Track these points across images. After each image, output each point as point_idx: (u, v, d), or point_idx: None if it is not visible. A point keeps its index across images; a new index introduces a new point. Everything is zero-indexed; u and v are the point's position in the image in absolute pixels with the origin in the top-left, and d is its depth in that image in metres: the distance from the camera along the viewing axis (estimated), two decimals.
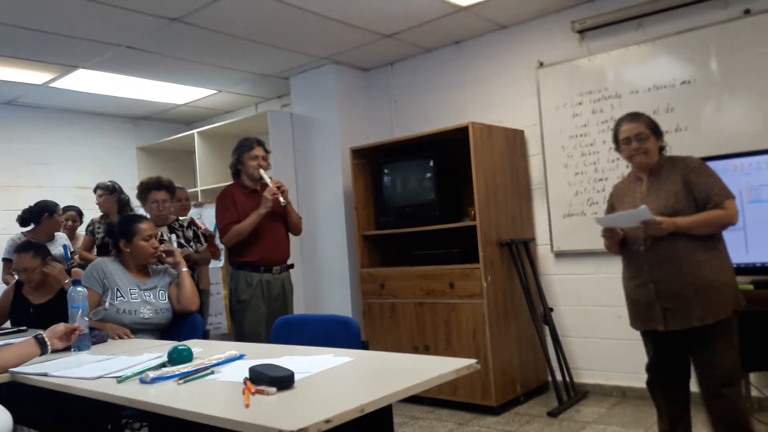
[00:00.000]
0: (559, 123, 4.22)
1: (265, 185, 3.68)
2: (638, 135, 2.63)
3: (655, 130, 2.67)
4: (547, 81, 4.28)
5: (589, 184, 4.10)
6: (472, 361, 1.72)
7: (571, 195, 4.18)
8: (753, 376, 3.49)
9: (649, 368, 2.82)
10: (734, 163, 3.33)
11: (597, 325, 4.12)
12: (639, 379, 3.93)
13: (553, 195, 4.26)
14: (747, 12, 3.54)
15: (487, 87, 4.61)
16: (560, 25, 4.20)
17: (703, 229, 2.51)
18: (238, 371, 1.73)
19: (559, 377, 4.01)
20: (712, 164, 3.37)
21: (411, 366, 1.79)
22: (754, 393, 3.49)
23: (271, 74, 5.22)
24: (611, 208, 2.83)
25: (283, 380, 1.55)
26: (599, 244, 3.98)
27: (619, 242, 2.69)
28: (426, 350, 4.09)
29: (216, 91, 5.61)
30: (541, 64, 4.30)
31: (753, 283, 3.18)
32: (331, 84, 5.04)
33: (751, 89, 3.53)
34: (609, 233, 2.67)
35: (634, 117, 2.70)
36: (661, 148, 2.70)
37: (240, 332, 3.67)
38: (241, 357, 1.94)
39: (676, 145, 3.71)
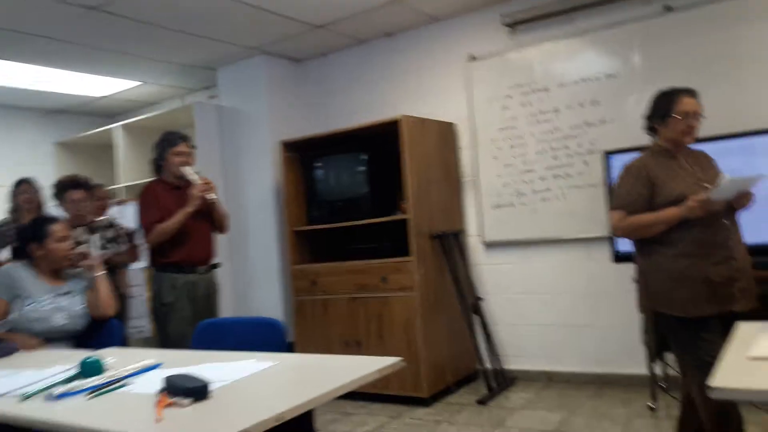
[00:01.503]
0: (490, 116, 4.27)
1: (190, 182, 3.55)
2: (696, 113, 2.42)
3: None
4: (477, 74, 4.32)
5: (517, 176, 4.18)
6: (397, 359, 1.71)
7: (500, 186, 4.24)
8: (670, 356, 3.65)
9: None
10: None
11: (524, 312, 4.22)
12: (563, 364, 4.09)
13: (483, 187, 4.32)
14: (668, 9, 3.67)
15: (419, 80, 4.61)
16: (491, 19, 4.24)
17: None
18: (153, 382, 1.65)
19: (488, 365, 4.10)
20: (632, 155, 3.54)
21: (335, 367, 1.76)
22: (669, 371, 3.66)
23: (197, 65, 5.05)
24: (648, 182, 2.42)
25: (197, 391, 1.50)
26: (526, 233, 4.16)
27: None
28: (357, 345, 4.08)
29: (140, 83, 5.39)
30: (473, 57, 4.33)
31: None
32: (260, 75, 4.92)
33: (672, 83, 3.64)
34: (707, 203, 2.27)
35: (693, 92, 2.45)
36: None
37: (165, 336, 3.54)
38: (157, 366, 1.86)
39: (601, 137, 3.85)
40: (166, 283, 3.49)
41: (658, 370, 3.58)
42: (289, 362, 1.85)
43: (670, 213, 2.34)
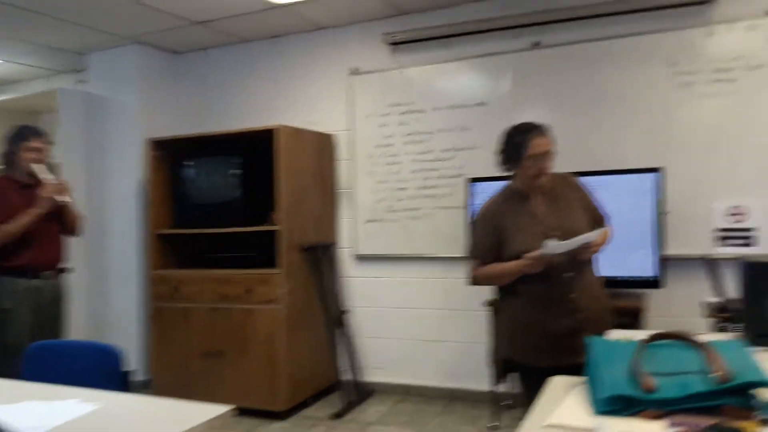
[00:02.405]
0: (368, 131, 4.30)
1: (41, 181, 3.29)
2: (550, 152, 2.36)
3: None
4: (359, 88, 4.33)
5: (391, 193, 4.23)
6: (229, 408, 1.66)
7: (374, 201, 4.29)
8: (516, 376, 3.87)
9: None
10: None
11: (389, 325, 4.30)
12: (420, 377, 4.21)
13: (358, 200, 4.34)
14: (537, 44, 3.86)
15: (301, 87, 4.54)
16: (374, 35, 4.26)
17: (605, 247, 2.37)
18: None
19: (348, 377, 4.14)
20: (495, 184, 3.69)
21: (160, 416, 1.68)
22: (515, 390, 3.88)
23: (65, 49, 4.66)
24: (496, 231, 2.41)
25: None
26: (395, 249, 4.23)
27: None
28: (218, 356, 3.97)
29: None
30: (355, 70, 4.33)
31: None
32: (134, 65, 4.64)
33: (534, 116, 3.78)
34: (541, 259, 2.25)
35: (544, 131, 2.39)
36: None
37: (1, 346, 3.27)
38: None
39: (468, 162, 3.99)
40: (7, 288, 3.24)
41: (503, 388, 3.78)
42: (114, 406, 1.74)
43: (512, 266, 2.33)
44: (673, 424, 1.24)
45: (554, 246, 2.24)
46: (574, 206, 2.41)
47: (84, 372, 2.10)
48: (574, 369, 1.94)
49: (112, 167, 4.65)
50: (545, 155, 2.34)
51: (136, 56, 4.63)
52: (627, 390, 1.33)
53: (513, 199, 2.43)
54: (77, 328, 4.24)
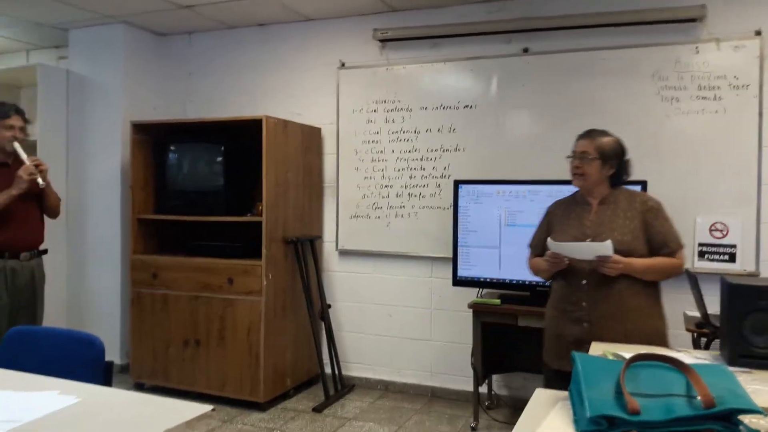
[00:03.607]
0: (355, 126, 4.28)
1: (19, 160, 3.23)
2: (583, 153, 2.41)
3: (606, 156, 2.40)
4: (347, 82, 4.31)
5: (375, 189, 4.24)
6: (208, 408, 1.65)
7: (359, 197, 4.28)
8: (495, 377, 3.93)
9: None
10: (498, 189, 3.66)
11: (370, 321, 4.32)
12: (400, 375, 4.25)
13: (342, 195, 4.34)
14: (525, 50, 3.88)
15: (288, 77, 4.50)
16: (364, 30, 4.23)
17: (652, 275, 2.34)
18: None
19: (329, 371, 4.16)
20: (480, 187, 3.73)
21: (140, 413, 1.66)
22: (494, 392, 3.94)
23: (46, 24, 4.55)
24: (547, 226, 2.56)
25: None
26: (379, 246, 4.25)
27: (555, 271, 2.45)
28: (197, 345, 3.95)
29: None
30: (343, 64, 4.31)
31: (500, 297, 3.55)
32: (117, 44, 4.54)
33: (520, 121, 3.90)
34: (555, 259, 2.38)
35: (588, 134, 2.45)
36: (616, 178, 2.44)
37: None
38: None
39: (454, 163, 4.01)
40: None
41: (484, 389, 3.84)
42: (94, 400, 1.72)
43: (541, 262, 2.51)
44: None
45: (558, 245, 2.35)
46: (627, 222, 2.36)
47: (64, 362, 2.07)
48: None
49: (93, 148, 4.57)
50: (579, 155, 2.42)
51: (120, 35, 4.53)
52: (611, 410, 1.36)
53: (573, 203, 2.53)
54: (55, 311, 4.19)
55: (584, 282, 2.36)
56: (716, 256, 3.45)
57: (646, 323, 2.33)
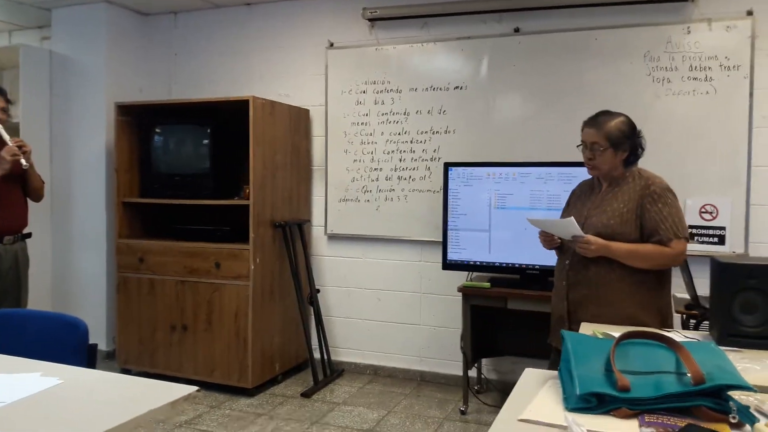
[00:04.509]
0: (344, 108, 4.23)
1: (2, 142, 3.16)
2: (594, 145, 2.33)
3: (617, 142, 2.31)
4: (335, 63, 4.25)
5: (365, 172, 4.20)
6: (193, 389, 1.62)
7: (348, 180, 4.24)
8: (485, 361, 3.93)
9: None
10: (488, 171, 3.63)
11: (359, 306, 4.30)
12: (389, 359, 4.24)
13: (331, 178, 4.29)
14: (517, 30, 3.84)
15: (276, 57, 4.44)
16: (353, 9, 4.17)
17: (636, 261, 2.25)
18: None
19: (318, 356, 4.14)
20: (470, 170, 3.70)
21: (124, 394, 1.63)
22: (483, 376, 3.94)
23: (28, 2, 4.44)
24: (566, 205, 2.58)
25: None
26: (368, 230, 4.22)
27: (555, 248, 2.45)
28: (183, 330, 3.91)
29: None
30: (332, 44, 4.25)
31: (490, 280, 3.54)
32: (101, 24, 4.45)
33: (511, 103, 3.86)
34: (544, 236, 2.42)
35: (595, 122, 2.36)
36: (629, 159, 2.36)
37: None
38: None
39: (444, 146, 3.98)
40: None
41: (473, 373, 3.83)
42: (77, 381, 1.69)
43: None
44: (645, 424, 1.25)
45: (535, 222, 2.44)
46: (621, 206, 2.30)
47: (47, 344, 2.05)
48: None
49: (77, 130, 4.49)
50: (589, 145, 2.35)
51: (103, 15, 4.44)
52: (601, 387, 1.34)
53: (589, 185, 2.51)
54: (40, 297, 4.14)
55: (567, 261, 2.38)
56: (706, 239, 3.45)
57: (621, 310, 2.25)
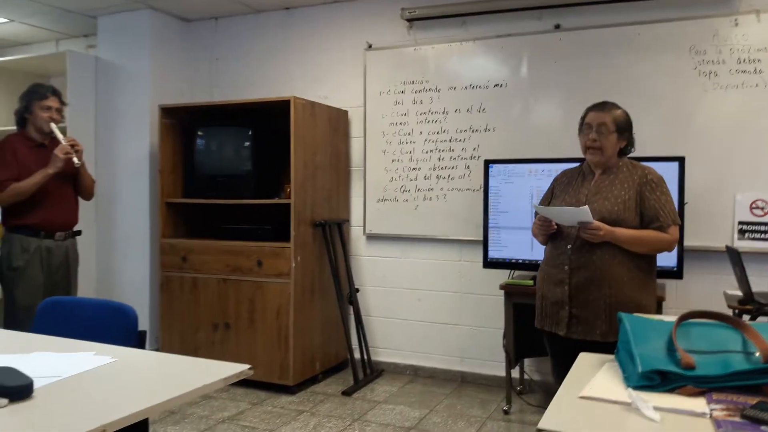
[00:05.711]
0: (382, 108, 4.25)
1: (56, 141, 3.27)
2: (600, 126, 2.38)
3: (622, 129, 2.41)
4: (373, 64, 4.27)
5: (403, 172, 4.19)
6: (246, 367, 1.64)
7: (386, 180, 4.25)
8: (527, 362, 3.86)
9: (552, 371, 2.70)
10: (530, 168, 3.60)
11: (398, 306, 4.28)
12: (429, 359, 4.20)
13: (369, 179, 4.30)
14: (557, 27, 3.80)
15: (315, 60, 4.48)
16: (391, 10, 4.19)
17: (638, 247, 2.34)
18: None
19: (358, 356, 4.13)
20: (511, 167, 3.67)
21: (177, 371, 1.65)
22: (526, 376, 3.87)
23: (75, 10, 4.59)
24: (551, 194, 2.62)
25: (17, 390, 1.35)
26: (407, 229, 4.20)
27: (549, 234, 2.50)
28: (226, 328, 3.95)
29: (6, 20, 4.82)
30: (370, 46, 4.28)
31: (533, 278, 3.48)
32: (145, 30, 4.56)
33: (552, 100, 3.82)
34: (543, 222, 2.45)
35: (603, 106, 2.44)
36: (623, 150, 2.46)
37: (10, 303, 3.28)
38: None
39: (483, 144, 3.95)
40: (17, 246, 3.26)
41: (516, 374, 3.77)
42: (130, 360, 1.72)
43: (533, 227, 2.57)
44: (714, 401, 1.21)
45: (543, 209, 2.46)
46: (622, 192, 2.37)
47: (98, 330, 2.08)
48: (568, 343, 2.36)
49: (122, 133, 4.60)
50: (595, 127, 2.40)
51: (147, 22, 4.56)
52: (664, 365, 1.30)
53: (578, 172, 2.56)
54: (84, 294, 4.22)
55: (569, 246, 2.40)
56: (757, 235, 3.34)
57: (625, 293, 2.34)
